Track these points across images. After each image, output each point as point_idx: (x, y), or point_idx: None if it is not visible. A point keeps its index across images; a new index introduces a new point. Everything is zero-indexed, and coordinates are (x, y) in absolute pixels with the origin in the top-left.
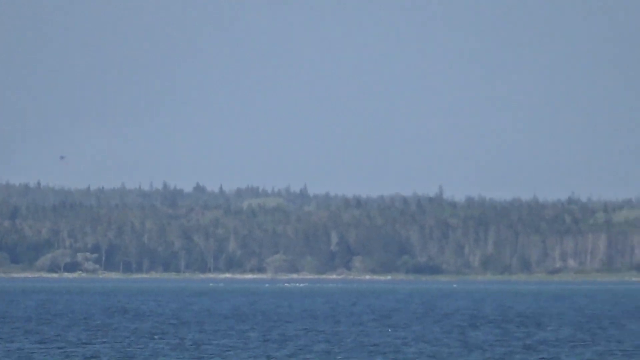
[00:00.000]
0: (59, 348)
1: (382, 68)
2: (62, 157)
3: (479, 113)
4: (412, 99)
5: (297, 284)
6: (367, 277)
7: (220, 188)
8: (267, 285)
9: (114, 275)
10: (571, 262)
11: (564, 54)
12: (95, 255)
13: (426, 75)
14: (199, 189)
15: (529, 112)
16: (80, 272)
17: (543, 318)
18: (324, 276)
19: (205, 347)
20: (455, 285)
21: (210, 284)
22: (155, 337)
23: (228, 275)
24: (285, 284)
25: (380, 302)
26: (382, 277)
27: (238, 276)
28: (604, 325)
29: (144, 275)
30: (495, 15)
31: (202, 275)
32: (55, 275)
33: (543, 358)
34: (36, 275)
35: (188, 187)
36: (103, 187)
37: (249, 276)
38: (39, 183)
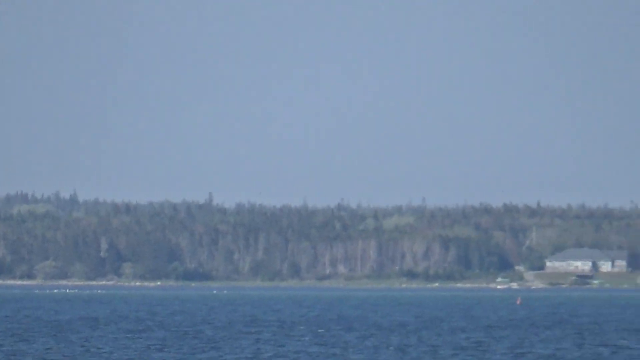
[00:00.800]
0: None
1: (145, 76)
2: None
3: (247, 119)
4: (180, 104)
5: (67, 290)
6: (137, 283)
7: None
8: (36, 291)
9: None
10: (341, 268)
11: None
12: None
13: (195, 83)
14: None
15: (295, 118)
16: None
17: (355, 323)
18: (93, 282)
19: None
20: (225, 292)
21: None
22: None
23: None
24: (55, 290)
25: (161, 308)
26: (151, 284)
27: (8, 282)
28: (402, 332)
29: None
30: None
31: None
32: None
33: None
34: None
35: None
36: None
37: (19, 282)
38: None
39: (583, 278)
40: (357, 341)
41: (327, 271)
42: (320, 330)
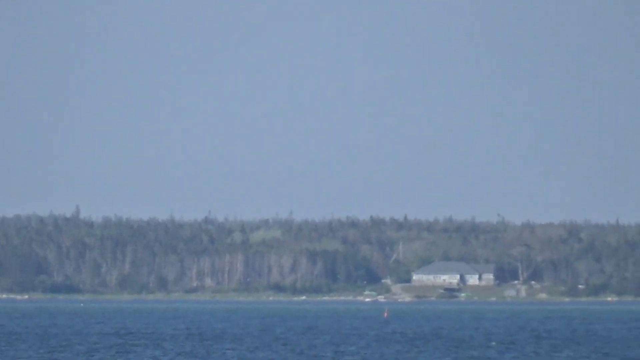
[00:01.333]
0: None
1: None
2: None
3: (112, 131)
4: (44, 115)
5: None
6: (4, 296)
7: None
8: None
9: None
10: (208, 282)
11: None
12: None
13: (59, 94)
14: None
15: (161, 131)
16: None
17: (226, 335)
18: None
19: None
20: (92, 305)
21: None
22: None
23: None
24: None
25: (30, 322)
26: (19, 297)
27: None
28: (278, 344)
29: None
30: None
31: None
32: None
33: None
34: None
35: None
36: None
37: None
38: None
39: (450, 291)
40: (233, 353)
41: (194, 284)
42: (187, 344)
